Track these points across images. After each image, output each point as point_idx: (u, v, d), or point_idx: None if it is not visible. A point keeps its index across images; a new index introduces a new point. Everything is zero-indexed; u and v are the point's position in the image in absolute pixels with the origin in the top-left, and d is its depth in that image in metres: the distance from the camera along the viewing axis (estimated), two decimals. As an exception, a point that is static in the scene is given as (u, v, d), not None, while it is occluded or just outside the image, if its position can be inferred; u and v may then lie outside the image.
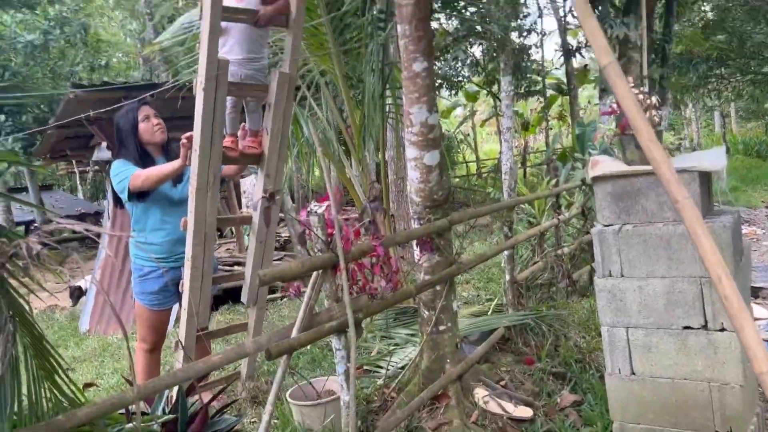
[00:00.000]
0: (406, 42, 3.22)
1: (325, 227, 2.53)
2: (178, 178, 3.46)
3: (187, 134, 3.18)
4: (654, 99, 4.24)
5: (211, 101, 3.13)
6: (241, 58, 3.28)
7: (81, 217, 17.85)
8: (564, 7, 15.70)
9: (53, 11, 12.80)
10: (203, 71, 3.08)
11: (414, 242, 3.34)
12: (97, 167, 11.69)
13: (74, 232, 15.14)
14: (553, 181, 5.33)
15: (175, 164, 3.26)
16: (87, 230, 1.86)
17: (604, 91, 12.58)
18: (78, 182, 25.26)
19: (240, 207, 12.55)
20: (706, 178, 3.12)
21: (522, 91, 17.66)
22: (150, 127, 3.48)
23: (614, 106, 3.74)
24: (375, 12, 4.49)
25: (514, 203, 4.39)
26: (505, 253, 4.09)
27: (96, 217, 18.33)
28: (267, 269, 2.14)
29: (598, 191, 3.30)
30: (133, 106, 3.52)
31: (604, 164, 3.29)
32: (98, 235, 14.00)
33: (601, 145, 5.29)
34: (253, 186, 12.65)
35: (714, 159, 3.13)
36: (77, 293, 8.38)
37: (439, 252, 3.29)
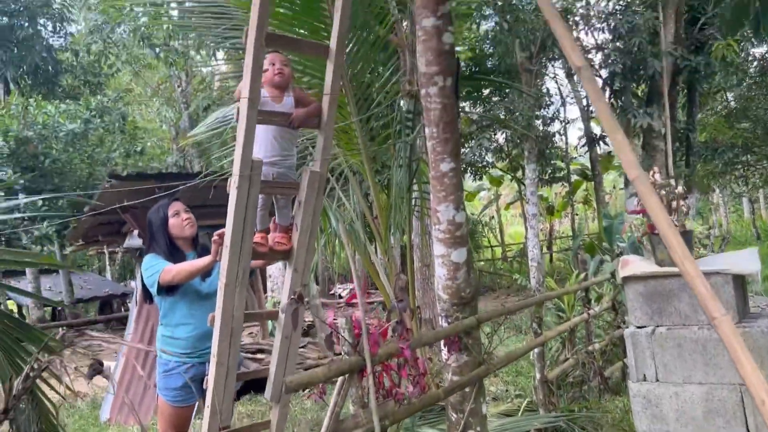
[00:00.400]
0: (433, 143, 3.30)
1: (353, 329, 2.52)
2: (207, 272, 3.50)
3: (219, 231, 3.23)
4: (680, 188, 4.24)
5: (244, 199, 3.19)
6: (273, 158, 3.37)
7: (108, 299, 18.03)
8: (587, 98, 16.02)
9: (95, 101, 13.44)
10: (237, 170, 3.16)
11: (442, 341, 3.29)
12: (125, 249, 11.93)
13: (100, 312, 15.15)
14: (582, 275, 5.28)
15: (205, 260, 3.31)
16: (113, 340, 1.87)
17: (630, 178, 12.62)
18: (107, 262, 25.66)
19: (265, 291, 12.58)
20: (740, 280, 3.07)
21: (546, 177, 17.80)
22: (180, 221, 3.57)
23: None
24: (403, 110, 4.65)
25: (543, 299, 4.34)
26: (535, 350, 4.00)
27: (122, 298, 18.49)
28: (294, 376, 2.12)
29: (629, 291, 3.26)
30: (165, 202, 3.63)
31: (634, 264, 3.26)
32: (123, 320, 14.04)
33: (629, 238, 5.25)
34: (278, 270, 12.75)
35: (747, 261, 3.08)
36: (96, 366, 8.25)
37: (468, 351, 3.23)
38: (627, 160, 1.84)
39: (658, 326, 3.16)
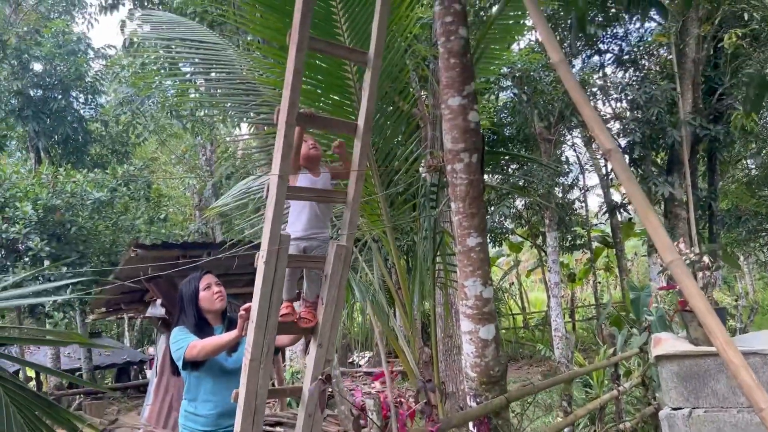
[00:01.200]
0: (460, 218, 3.32)
1: (381, 410, 2.46)
2: (233, 347, 3.48)
3: (246, 306, 3.23)
4: (706, 259, 4.16)
5: (271, 274, 3.20)
6: (311, 231, 3.39)
7: (126, 366, 17.91)
8: (606, 166, 16.10)
9: (121, 170, 13.78)
10: (266, 245, 3.19)
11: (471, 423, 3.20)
12: (147, 317, 11.97)
13: (117, 379, 15.03)
14: (610, 351, 5.16)
15: (231, 335, 3.29)
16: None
17: (653, 247, 12.51)
18: (126, 328, 25.63)
19: (284, 360, 12.44)
20: (779, 361, 2.97)
21: (567, 244, 17.69)
22: (210, 295, 3.57)
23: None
24: (427, 183, 4.69)
25: (573, 376, 4.23)
26: (565, 429, 3.88)
27: (140, 365, 18.36)
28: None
29: (662, 371, 3.17)
30: (197, 275, 3.63)
31: (667, 343, 3.19)
32: (140, 388, 13.88)
33: (657, 311, 5.15)
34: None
35: (786, 340, 3.00)
36: None
37: (497, 433, 3.14)
38: (661, 243, 1.83)
39: (694, 408, 3.05)
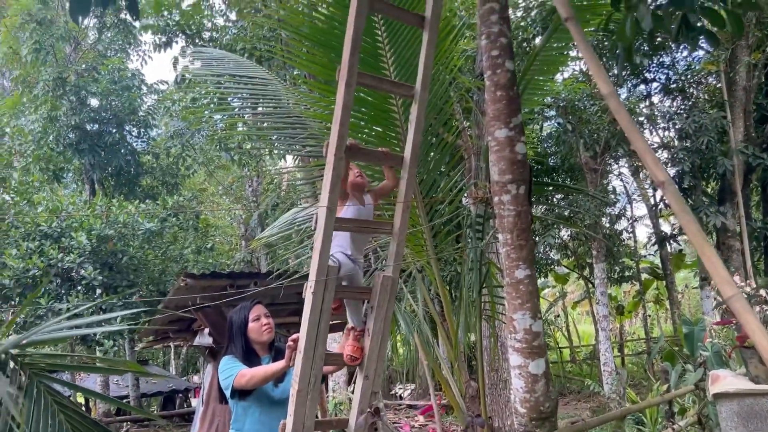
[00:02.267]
0: (507, 250, 3.30)
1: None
2: (280, 377, 3.51)
3: (293, 336, 3.26)
4: (763, 293, 4.01)
5: (319, 304, 3.23)
6: (352, 255, 3.42)
7: (171, 394, 18.14)
8: (654, 196, 15.77)
9: (171, 201, 14.17)
10: (313, 276, 3.23)
11: (520, 459, 3.14)
12: (194, 346, 12.13)
13: (163, 408, 15.23)
14: (664, 387, 4.99)
15: (279, 365, 3.32)
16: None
17: (705, 279, 12.13)
18: (172, 356, 26.02)
19: (327, 391, 12.41)
20: None
21: (615, 276, 17.28)
22: (259, 326, 3.62)
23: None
24: (472, 214, 4.69)
25: (625, 413, 4.10)
26: (618, 469, 3.75)
27: (185, 394, 18.57)
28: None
29: (722, 410, 3.05)
30: (247, 305, 3.69)
31: (725, 380, 3.08)
32: (186, 416, 14.00)
33: (713, 346, 4.97)
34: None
35: None
36: None
37: (548, 471, 3.06)
38: (720, 277, 1.78)
39: (757, 450, 2.91)
